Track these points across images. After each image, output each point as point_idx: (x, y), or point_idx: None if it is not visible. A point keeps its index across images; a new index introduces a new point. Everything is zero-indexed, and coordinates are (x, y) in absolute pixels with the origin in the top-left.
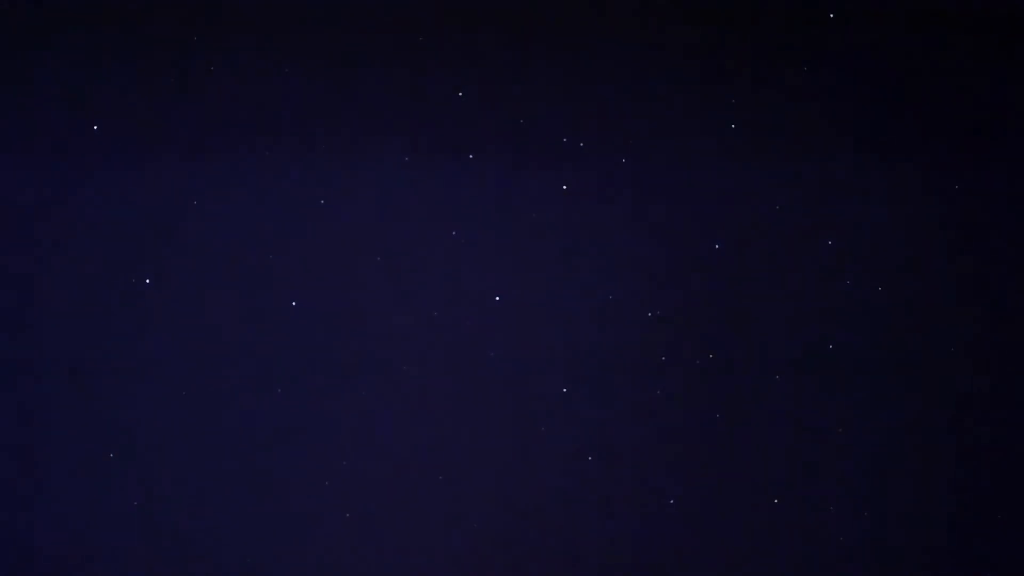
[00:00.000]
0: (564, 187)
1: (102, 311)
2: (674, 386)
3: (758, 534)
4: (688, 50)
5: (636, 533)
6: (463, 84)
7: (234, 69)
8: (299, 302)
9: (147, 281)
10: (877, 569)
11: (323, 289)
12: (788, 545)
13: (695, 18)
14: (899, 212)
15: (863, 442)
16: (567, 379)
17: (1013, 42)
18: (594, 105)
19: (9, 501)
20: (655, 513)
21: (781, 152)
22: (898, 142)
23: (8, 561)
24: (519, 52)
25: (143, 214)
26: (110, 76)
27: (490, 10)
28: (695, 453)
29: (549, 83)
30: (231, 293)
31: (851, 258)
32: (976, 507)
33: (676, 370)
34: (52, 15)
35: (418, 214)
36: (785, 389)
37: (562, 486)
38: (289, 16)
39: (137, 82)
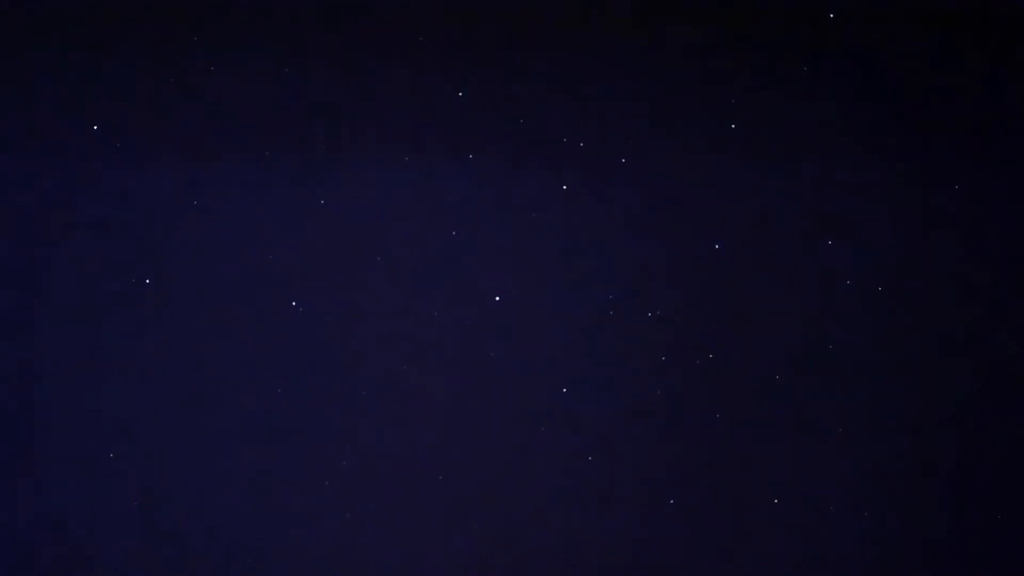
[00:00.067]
0: (564, 187)
1: (102, 311)
2: (674, 386)
3: (758, 534)
4: (688, 50)
5: (636, 533)
6: (463, 84)
7: (234, 69)
8: (299, 302)
9: (147, 281)
10: (877, 569)
11: (323, 289)
12: (788, 545)
13: (695, 18)
14: (899, 212)
15: (863, 442)
16: (567, 379)
17: (1013, 42)
18: (594, 105)
19: (9, 501)
20: (655, 513)
21: (781, 152)
22: (898, 142)
23: (8, 561)
24: (519, 52)
25: (143, 214)
26: (110, 76)
27: (490, 10)
28: (695, 453)
29: (549, 83)
30: (231, 293)
31: (851, 258)
32: (976, 507)
33: (676, 370)
34: (52, 15)
35: (418, 214)
36: (785, 389)
37: (562, 486)
38: (289, 16)
39: (137, 82)
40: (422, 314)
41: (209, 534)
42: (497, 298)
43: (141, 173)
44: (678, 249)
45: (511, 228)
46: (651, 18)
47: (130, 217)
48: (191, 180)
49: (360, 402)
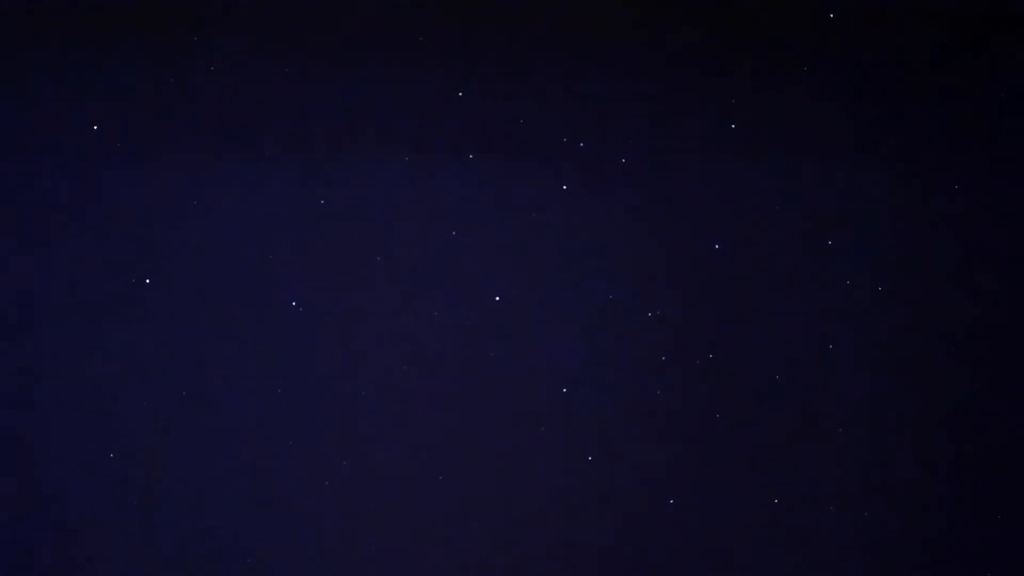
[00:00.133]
0: (564, 187)
1: (102, 311)
2: (674, 386)
3: (758, 534)
4: (688, 50)
5: (636, 533)
6: (463, 84)
7: (234, 69)
8: (299, 302)
9: (147, 281)
10: (877, 569)
11: (323, 289)
12: (788, 545)
13: (695, 18)
14: (899, 212)
15: (863, 442)
16: (567, 379)
17: (1013, 42)
18: (594, 105)
19: (9, 501)
20: (655, 513)
21: (781, 152)
22: (898, 142)
23: (8, 561)
24: (519, 52)
25: (143, 214)
26: (110, 76)
27: (490, 10)
28: (695, 453)
29: (549, 83)
30: (231, 293)
31: (851, 258)
32: (976, 507)
33: (676, 370)
34: (52, 15)
35: (418, 214)
36: (785, 389)
37: (562, 486)
38: (289, 16)
39: (137, 82)
40: (422, 314)
41: (209, 534)
42: (497, 298)
43: (141, 173)
44: (678, 249)
45: (511, 228)
46: (651, 18)
47: (130, 217)
48: (191, 180)
49: (360, 402)
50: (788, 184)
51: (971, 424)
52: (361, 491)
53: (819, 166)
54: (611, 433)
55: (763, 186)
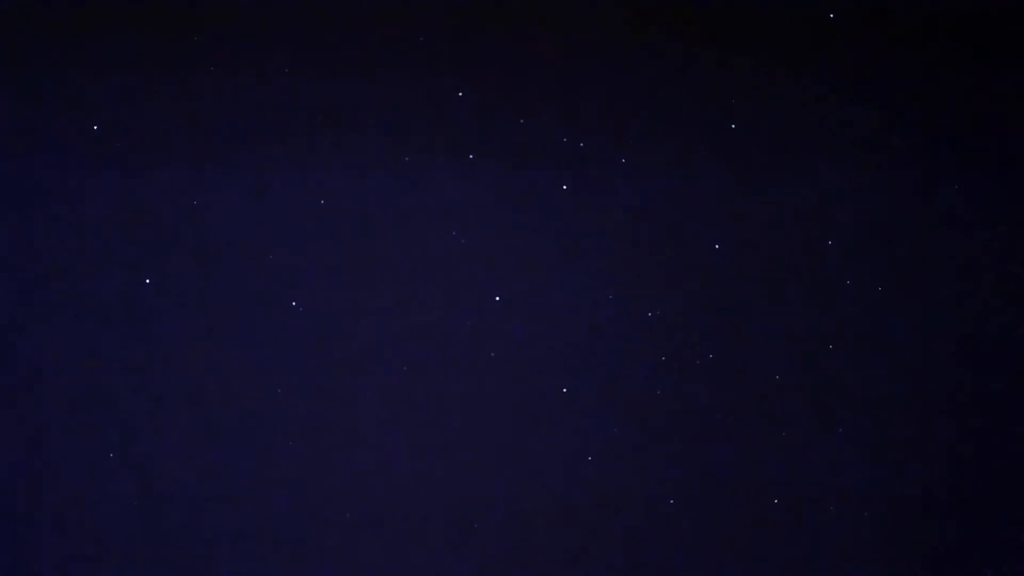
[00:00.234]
0: (564, 187)
1: (102, 311)
2: (674, 386)
3: (758, 534)
4: (688, 50)
5: (636, 533)
6: (463, 84)
7: (234, 69)
8: (299, 302)
9: (147, 281)
10: (877, 569)
11: (323, 289)
12: (788, 545)
13: (695, 18)
14: (899, 212)
15: (863, 442)
16: (567, 379)
17: (1013, 42)
18: (594, 105)
19: (9, 501)
20: (655, 513)
21: (781, 153)
22: (898, 142)
23: (8, 561)
24: (519, 52)
25: (143, 214)
26: (110, 76)
27: (490, 10)
28: (695, 453)
29: (549, 83)
30: (231, 293)
31: (851, 258)
32: (976, 507)
33: (676, 370)
34: (52, 15)
35: (418, 214)
36: (785, 389)
37: (562, 486)
38: (289, 17)
39: (137, 82)
40: (422, 314)
41: (209, 534)
42: (497, 298)
43: (141, 173)
44: (678, 249)
45: (511, 228)
46: (651, 18)
47: (130, 217)
48: (191, 180)
49: (360, 402)
50: (788, 184)
51: (971, 424)
52: (361, 491)
53: (819, 166)
54: (611, 433)
55: (763, 186)
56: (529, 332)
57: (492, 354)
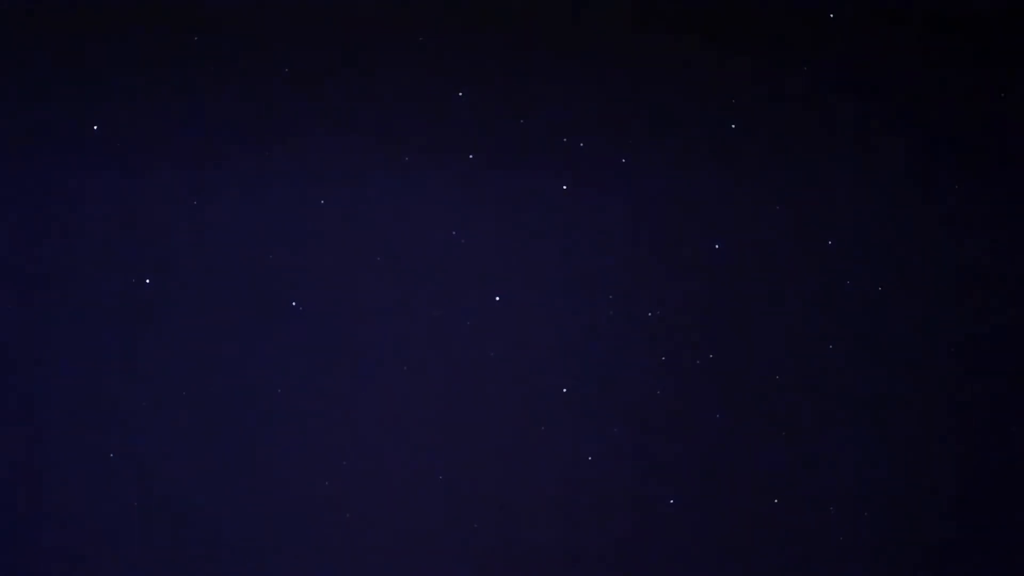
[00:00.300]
0: (564, 187)
1: (102, 311)
2: (674, 386)
3: (758, 534)
4: (688, 50)
5: (636, 533)
6: (463, 84)
7: (234, 69)
8: (299, 302)
9: (147, 281)
10: (877, 569)
11: (323, 289)
12: (788, 545)
13: (695, 18)
14: (899, 212)
15: (863, 442)
16: (567, 379)
17: (1013, 42)
18: (594, 105)
19: (9, 501)
20: (655, 513)
21: (781, 153)
22: (898, 142)
23: (8, 561)
24: (519, 52)
25: (143, 214)
26: (110, 76)
27: (490, 10)
28: (695, 453)
29: (549, 83)
30: (231, 293)
31: (851, 258)
32: (976, 507)
33: (676, 370)
34: (52, 15)
35: (418, 214)
36: (785, 389)
37: (562, 486)
38: (289, 17)
39: (137, 82)
40: (422, 314)
41: (209, 534)
42: (497, 298)
43: (141, 173)
44: (678, 249)
45: (511, 228)
46: (651, 19)
47: (130, 217)
48: (191, 180)
49: (360, 402)
50: (788, 184)
51: (971, 424)
52: (361, 491)
53: (819, 166)
54: (611, 433)
55: (763, 186)
56: (529, 332)
57: (492, 354)
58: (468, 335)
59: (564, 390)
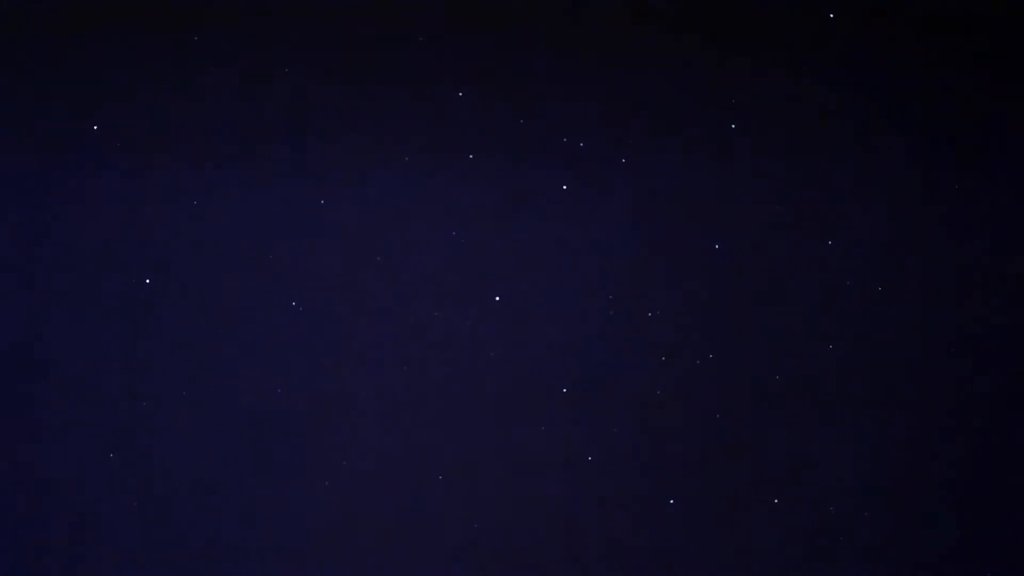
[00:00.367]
0: (564, 187)
1: (102, 311)
2: (674, 386)
3: (758, 534)
4: (688, 50)
5: (636, 533)
6: (463, 84)
7: (234, 69)
8: (299, 302)
9: (147, 281)
10: (877, 569)
11: (323, 289)
12: (788, 545)
13: (695, 18)
14: (899, 212)
15: (863, 442)
16: (567, 379)
17: (1013, 42)
18: (594, 105)
19: (10, 501)
20: (655, 513)
21: (781, 152)
22: (898, 142)
23: (8, 561)
24: (519, 52)
25: (143, 214)
26: (110, 76)
27: (490, 10)
28: (695, 453)
29: (549, 83)
30: (231, 293)
31: (851, 258)
32: (976, 507)
33: (676, 370)
34: (52, 15)
35: (418, 214)
36: (785, 389)
37: (562, 486)
38: (289, 17)
39: (137, 82)
40: (422, 314)
41: (209, 534)
42: (497, 298)
43: (141, 173)
44: (678, 249)
45: (511, 228)
46: (651, 18)
47: (130, 217)
48: (191, 180)
49: (360, 402)
50: (788, 184)
51: (971, 424)
52: (361, 491)
53: (819, 166)
54: (611, 433)
55: (763, 186)
56: (529, 332)
57: (492, 354)
58: (468, 335)
59: (564, 390)
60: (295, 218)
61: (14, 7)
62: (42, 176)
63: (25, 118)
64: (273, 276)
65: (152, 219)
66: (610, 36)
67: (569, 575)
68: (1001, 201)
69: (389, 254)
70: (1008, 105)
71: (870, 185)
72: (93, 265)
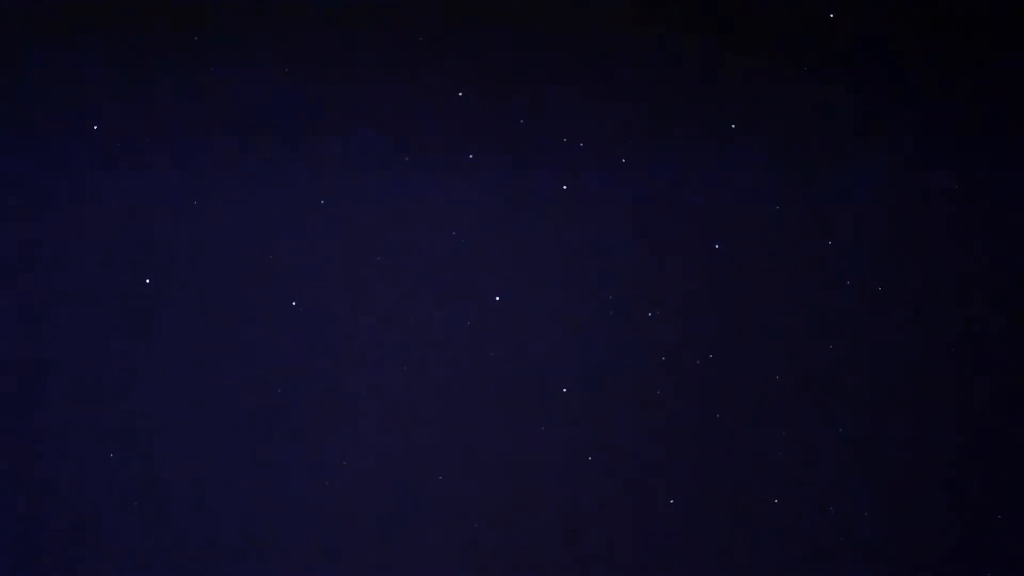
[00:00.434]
0: (564, 187)
1: (102, 311)
2: (674, 386)
3: (758, 534)
4: (688, 50)
5: (636, 533)
6: (463, 84)
7: (234, 69)
8: (299, 302)
9: (147, 281)
10: (877, 569)
11: (323, 289)
12: (788, 545)
13: (695, 18)
14: (899, 212)
15: (863, 442)
16: (567, 379)
17: (1013, 42)
18: (594, 105)
19: (10, 501)
20: (655, 513)
21: (781, 152)
22: (898, 142)
23: (9, 561)
24: (519, 52)
25: (143, 214)
26: (110, 76)
27: (490, 10)
28: (695, 453)
29: (549, 83)
30: (231, 293)
31: (851, 258)
32: (976, 507)
33: (676, 370)
34: (52, 15)
35: (418, 214)
36: (785, 389)
37: (562, 486)
38: (289, 16)
39: (137, 82)
40: (422, 314)
41: (209, 534)
42: (497, 298)
43: (141, 173)
44: (678, 249)
45: (511, 228)
46: (651, 18)
47: (130, 217)
48: (191, 180)
49: (360, 402)
50: (788, 184)
51: (971, 424)
52: (361, 491)
53: (819, 165)
54: (611, 433)
55: (763, 186)
56: (529, 332)
57: (492, 354)
58: (468, 335)
59: (564, 390)
60: (295, 218)
61: (14, 7)
62: (42, 176)
63: (25, 118)
64: (273, 276)
65: (152, 219)
66: (610, 36)
67: (569, 575)
68: (1001, 201)
69: (389, 254)
70: (1008, 105)
71: (870, 185)
72: (93, 265)
